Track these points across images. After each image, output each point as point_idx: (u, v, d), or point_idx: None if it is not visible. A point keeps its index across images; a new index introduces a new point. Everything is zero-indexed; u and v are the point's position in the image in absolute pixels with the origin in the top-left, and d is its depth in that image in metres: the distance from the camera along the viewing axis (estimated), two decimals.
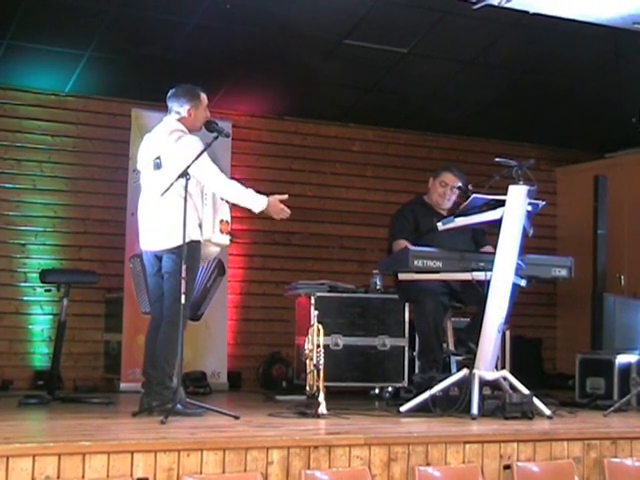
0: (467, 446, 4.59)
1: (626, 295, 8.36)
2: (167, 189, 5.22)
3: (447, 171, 6.51)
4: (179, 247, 5.18)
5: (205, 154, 5.32)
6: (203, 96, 5.58)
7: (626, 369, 6.58)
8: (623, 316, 7.51)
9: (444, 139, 9.22)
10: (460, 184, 6.40)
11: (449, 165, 6.78)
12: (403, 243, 6.22)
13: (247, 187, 5.46)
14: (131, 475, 3.93)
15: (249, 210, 5.47)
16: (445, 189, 6.45)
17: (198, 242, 5.36)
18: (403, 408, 5.66)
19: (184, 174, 5.16)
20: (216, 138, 5.42)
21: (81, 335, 7.70)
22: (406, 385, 7.10)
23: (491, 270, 5.67)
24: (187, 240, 5.16)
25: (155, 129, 5.59)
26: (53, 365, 6.64)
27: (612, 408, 5.95)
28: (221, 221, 5.45)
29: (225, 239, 5.50)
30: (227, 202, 5.45)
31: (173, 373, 5.27)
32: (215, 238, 5.44)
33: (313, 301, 7.03)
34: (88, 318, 7.75)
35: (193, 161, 5.20)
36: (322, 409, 5.35)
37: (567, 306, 9.31)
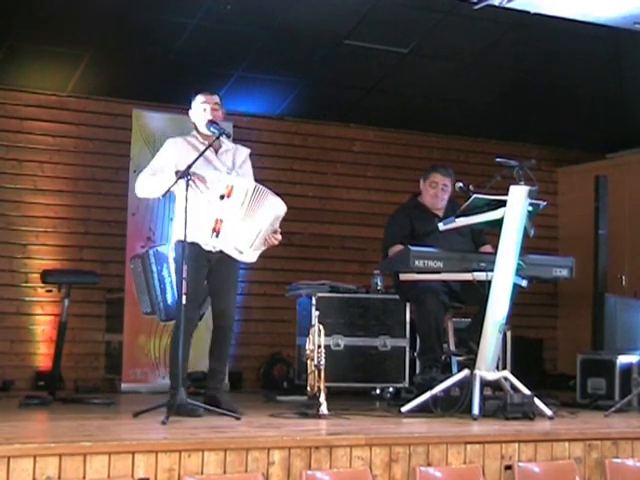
0: (468, 446, 4.59)
1: (627, 295, 8.36)
2: (167, 190, 5.29)
3: (434, 171, 6.48)
4: (174, 246, 5.32)
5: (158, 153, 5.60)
6: (198, 95, 5.62)
7: (627, 369, 6.58)
8: (624, 316, 7.51)
9: (445, 139, 9.22)
10: (449, 182, 6.39)
11: (435, 165, 6.73)
12: (399, 248, 6.21)
13: None
14: (132, 476, 3.93)
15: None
16: (436, 190, 6.42)
17: (183, 242, 5.30)
18: (404, 408, 5.65)
19: (184, 175, 5.18)
20: (217, 138, 5.46)
21: (82, 335, 7.70)
22: (407, 385, 7.09)
23: (492, 270, 5.67)
24: (175, 240, 5.35)
25: None
26: (54, 365, 6.65)
27: (613, 408, 5.94)
28: (216, 220, 5.40)
29: (216, 242, 5.45)
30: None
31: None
32: (212, 242, 5.43)
33: (314, 301, 7.03)
34: (89, 318, 7.75)
35: (194, 161, 5.24)
36: (323, 409, 5.35)
37: (568, 306, 9.31)
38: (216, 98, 5.64)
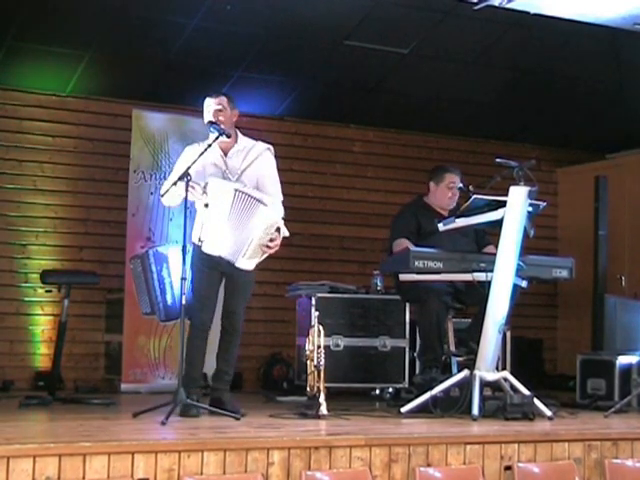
0: (468, 447, 4.59)
1: (627, 296, 8.36)
2: (167, 191, 5.37)
3: (449, 172, 6.46)
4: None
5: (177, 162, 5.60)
6: (206, 98, 5.62)
7: (627, 370, 6.58)
8: (624, 317, 7.51)
9: (445, 140, 9.22)
10: (461, 183, 6.40)
11: (445, 166, 6.70)
12: (404, 242, 6.21)
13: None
14: (132, 476, 3.94)
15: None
16: (453, 190, 6.40)
17: (194, 245, 5.39)
18: (404, 409, 5.66)
19: (184, 176, 5.20)
20: (217, 138, 5.46)
21: (82, 336, 7.70)
22: (407, 386, 7.09)
23: (492, 271, 5.67)
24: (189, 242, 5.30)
25: None
26: (54, 366, 6.65)
27: (613, 409, 5.95)
28: (202, 226, 5.42)
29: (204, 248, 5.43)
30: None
31: (192, 373, 5.39)
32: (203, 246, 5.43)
33: (314, 302, 7.03)
34: (89, 319, 7.74)
35: (193, 162, 5.28)
36: (323, 410, 5.36)
37: (568, 307, 9.31)
38: (220, 99, 5.61)
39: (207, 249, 5.39)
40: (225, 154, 5.58)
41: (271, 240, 5.43)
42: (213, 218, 5.35)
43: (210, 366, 5.67)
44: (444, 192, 6.41)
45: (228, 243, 5.37)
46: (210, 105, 5.57)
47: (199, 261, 5.42)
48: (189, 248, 5.42)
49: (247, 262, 5.45)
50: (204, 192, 5.32)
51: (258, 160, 5.64)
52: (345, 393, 7.00)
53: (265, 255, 5.50)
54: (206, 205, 5.33)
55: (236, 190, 5.35)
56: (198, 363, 5.54)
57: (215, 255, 5.40)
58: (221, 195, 5.34)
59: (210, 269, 5.47)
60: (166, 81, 7.75)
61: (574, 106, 8.64)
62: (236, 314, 5.63)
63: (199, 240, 5.37)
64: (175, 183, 5.27)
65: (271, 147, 5.76)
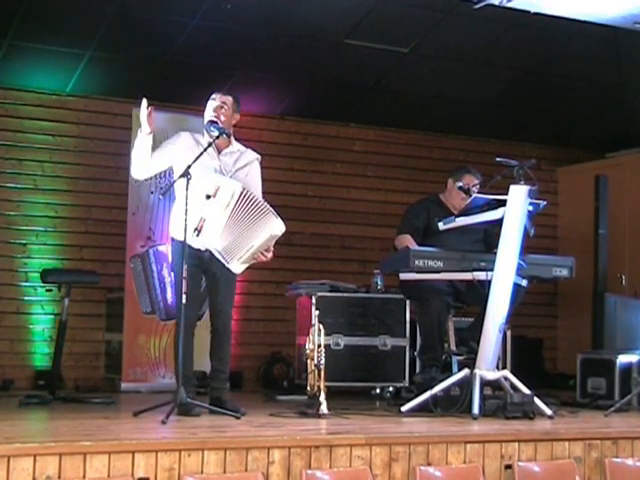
0: (468, 446, 4.59)
1: (627, 295, 8.37)
2: (167, 189, 5.36)
3: (470, 174, 6.39)
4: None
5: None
6: (213, 93, 5.64)
7: (627, 369, 6.58)
8: (624, 316, 7.52)
9: (445, 139, 9.21)
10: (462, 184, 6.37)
11: (468, 167, 6.62)
12: (407, 239, 6.21)
13: None
14: (132, 475, 3.94)
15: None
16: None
17: (182, 242, 5.30)
18: (404, 408, 5.66)
19: (185, 174, 5.19)
20: (217, 137, 5.46)
21: (82, 335, 7.70)
22: (407, 385, 7.10)
23: (492, 270, 5.67)
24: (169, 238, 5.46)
25: None
26: (54, 365, 6.65)
27: (613, 408, 5.95)
28: (200, 219, 5.34)
29: (198, 241, 5.39)
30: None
31: (184, 372, 5.31)
32: (193, 242, 5.39)
33: (314, 301, 7.03)
34: (89, 318, 7.74)
35: (194, 161, 5.25)
36: (323, 409, 5.36)
37: (568, 306, 9.31)
38: (227, 98, 5.62)
39: (201, 242, 5.37)
40: (219, 152, 5.59)
41: (266, 250, 5.45)
42: (213, 212, 5.32)
43: (209, 364, 5.69)
44: (459, 193, 6.37)
45: (225, 240, 5.36)
46: (215, 99, 5.59)
47: (182, 258, 5.34)
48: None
49: (239, 266, 5.45)
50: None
51: (248, 166, 5.68)
52: (345, 392, 7.00)
53: (253, 262, 5.51)
54: (207, 197, 5.32)
55: (244, 189, 5.35)
56: (189, 362, 5.51)
57: (210, 249, 5.40)
58: (226, 191, 5.33)
59: (194, 267, 5.41)
60: (166, 80, 7.75)
61: (574, 105, 8.64)
62: (225, 313, 5.62)
63: (195, 230, 5.30)
64: (175, 181, 5.27)
65: (259, 157, 5.77)
